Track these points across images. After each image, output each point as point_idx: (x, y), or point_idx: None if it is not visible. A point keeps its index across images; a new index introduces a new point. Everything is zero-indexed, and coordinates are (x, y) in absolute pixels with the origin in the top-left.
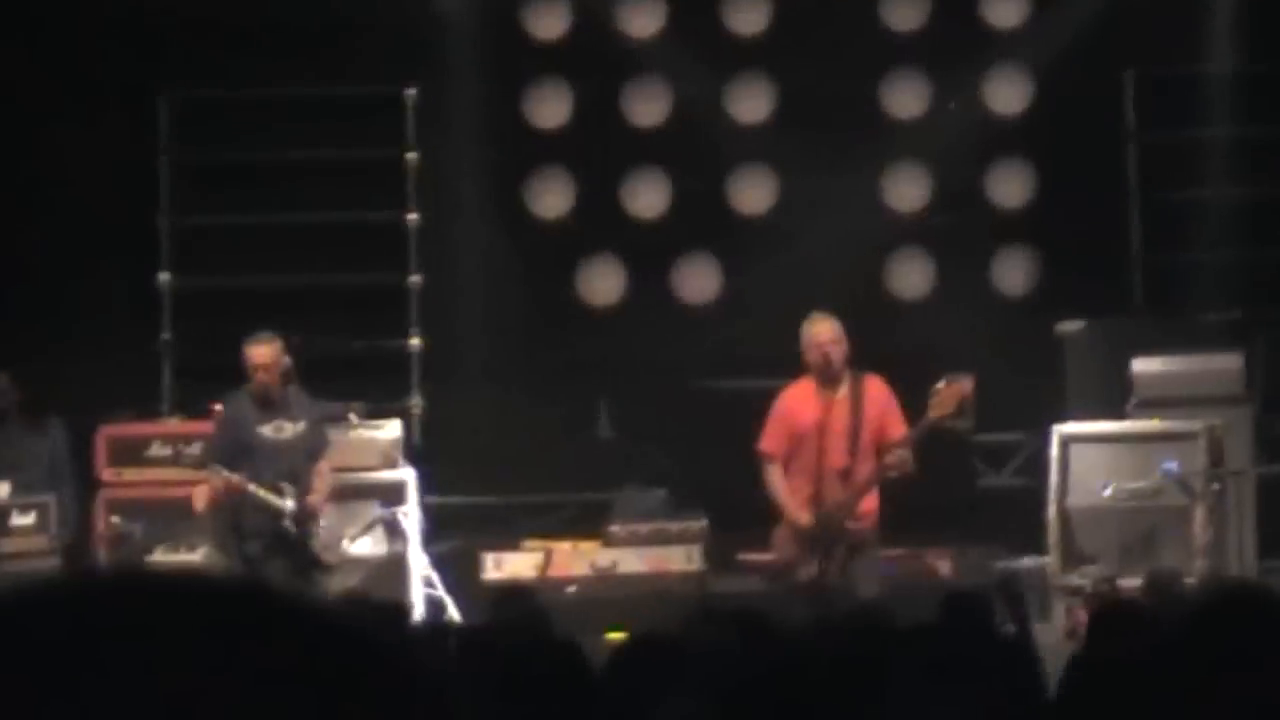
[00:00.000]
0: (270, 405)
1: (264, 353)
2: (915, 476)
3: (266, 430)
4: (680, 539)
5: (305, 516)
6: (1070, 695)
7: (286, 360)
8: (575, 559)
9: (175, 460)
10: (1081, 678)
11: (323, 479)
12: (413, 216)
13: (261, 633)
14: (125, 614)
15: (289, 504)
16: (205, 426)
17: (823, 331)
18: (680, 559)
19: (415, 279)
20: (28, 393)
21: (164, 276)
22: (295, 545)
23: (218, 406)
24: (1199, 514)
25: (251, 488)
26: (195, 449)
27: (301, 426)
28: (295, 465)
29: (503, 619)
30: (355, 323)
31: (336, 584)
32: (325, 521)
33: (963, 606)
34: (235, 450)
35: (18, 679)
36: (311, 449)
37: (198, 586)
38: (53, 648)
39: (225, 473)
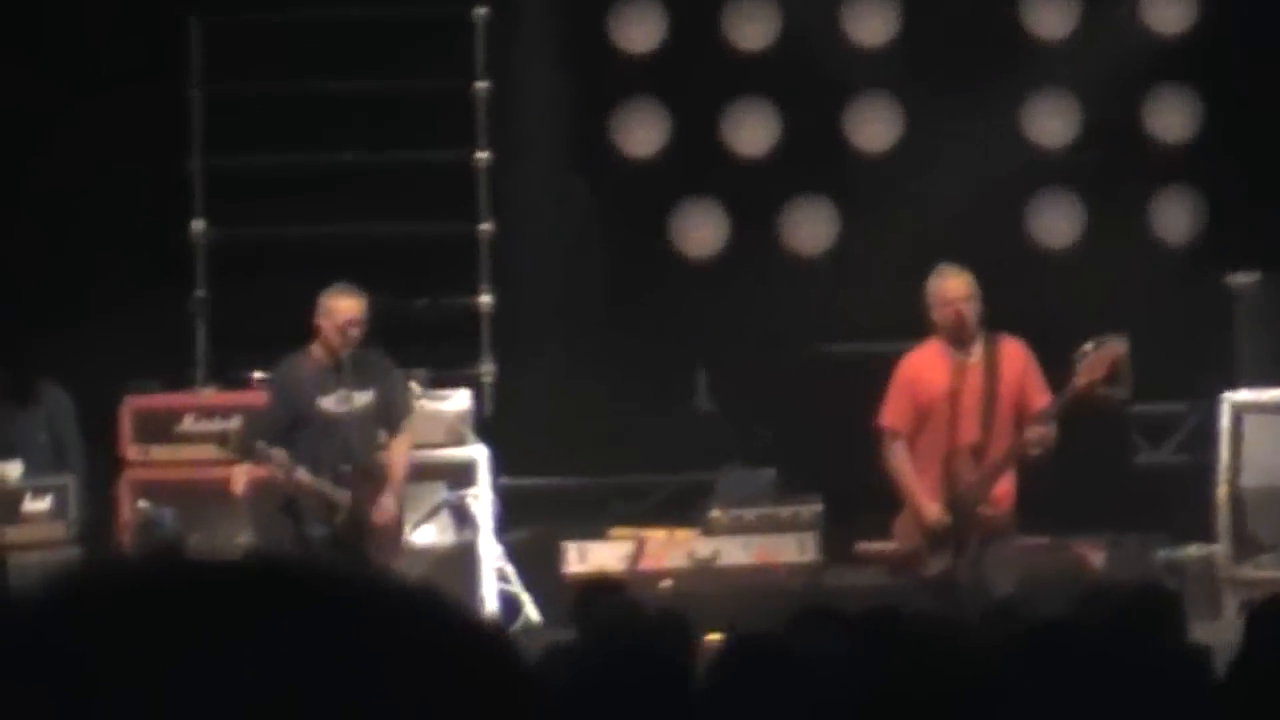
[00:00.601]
0: (336, 370)
1: (354, 306)
2: (1060, 453)
3: (328, 402)
4: (791, 526)
5: (359, 531)
6: (1229, 704)
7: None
8: (670, 549)
9: (210, 437)
10: (1241, 684)
11: (398, 456)
12: (482, 156)
13: (338, 634)
14: (168, 614)
15: (342, 501)
16: (245, 398)
17: (953, 286)
18: (791, 549)
19: (485, 227)
20: (11, 368)
21: (198, 226)
22: (349, 543)
23: (258, 375)
24: None
25: (305, 478)
26: (234, 423)
27: (370, 396)
28: (358, 443)
29: (588, 618)
30: (417, 278)
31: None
32: (390, 519)
33: (1116, 603)
34: (290, 424)
35: (38, 694)
36: (387, 418)
37: (259, 574)
38: (83, 660)
39: (275, 456)
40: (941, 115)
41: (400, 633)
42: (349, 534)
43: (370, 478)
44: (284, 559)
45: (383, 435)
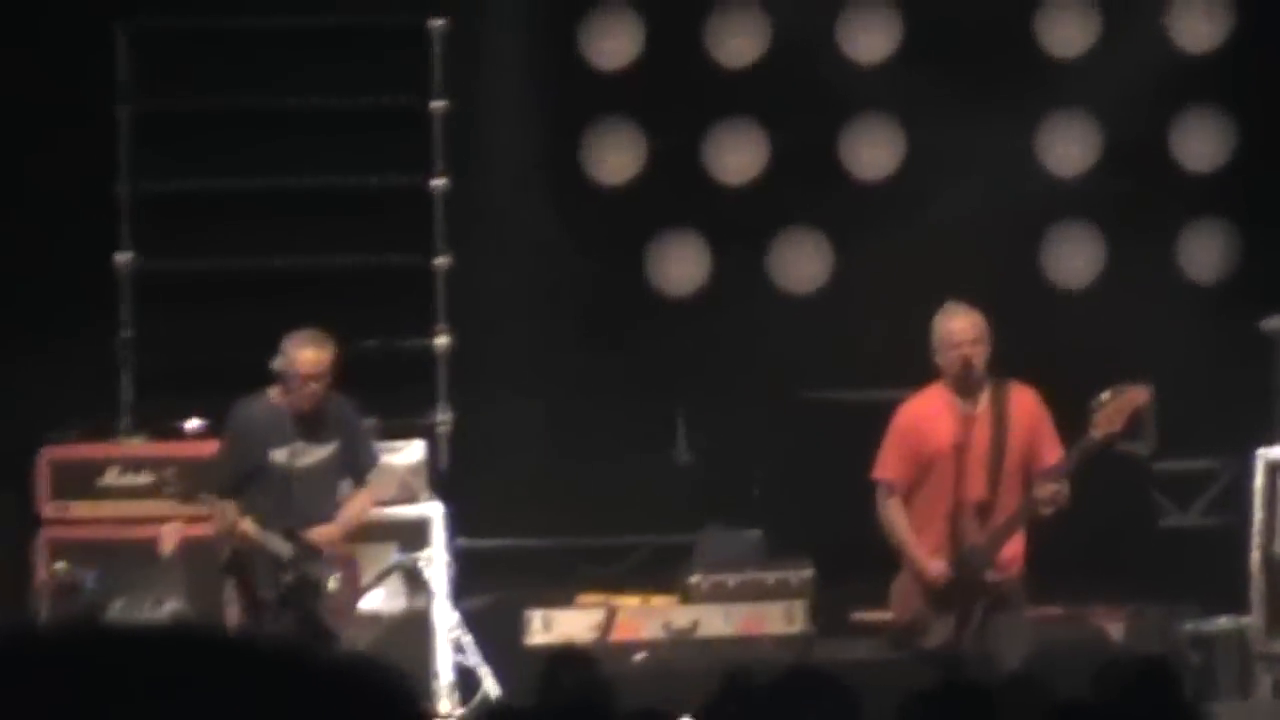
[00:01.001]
0: (293, 421)
1: (318, 359)
2: (1075, 513)
3: (281, 454)
4: (778, 593)
5: (306, 560)
6: None
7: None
8: (645, 618)
9: (136, 491)
10: None
11: (350, 511)
12: (439, 182)
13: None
14: (84, 682)
15: (286, 549)
16: (174, 449)
17: (961, 328)
18: (778, 619)
19: (442, 261)
20: None
21: (123, 258)
22: (297, 604)
23: (191, 423)
24: None
25: (251, 531)
26: (164, 475)
27: (330, 450)
28: (311, 501)
29: (553, 695)
30: (365, 316)
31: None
32: (337, 576)
33: (1138, 679)
34: (241, 475)
35: None
36: (352, 469)
37: (179, 645)
38: None
39: (219, 507)
40: (947, 139)
41: (329, 711)
42: (299, 596)
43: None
44: (211, 630)
45: (344, 489)
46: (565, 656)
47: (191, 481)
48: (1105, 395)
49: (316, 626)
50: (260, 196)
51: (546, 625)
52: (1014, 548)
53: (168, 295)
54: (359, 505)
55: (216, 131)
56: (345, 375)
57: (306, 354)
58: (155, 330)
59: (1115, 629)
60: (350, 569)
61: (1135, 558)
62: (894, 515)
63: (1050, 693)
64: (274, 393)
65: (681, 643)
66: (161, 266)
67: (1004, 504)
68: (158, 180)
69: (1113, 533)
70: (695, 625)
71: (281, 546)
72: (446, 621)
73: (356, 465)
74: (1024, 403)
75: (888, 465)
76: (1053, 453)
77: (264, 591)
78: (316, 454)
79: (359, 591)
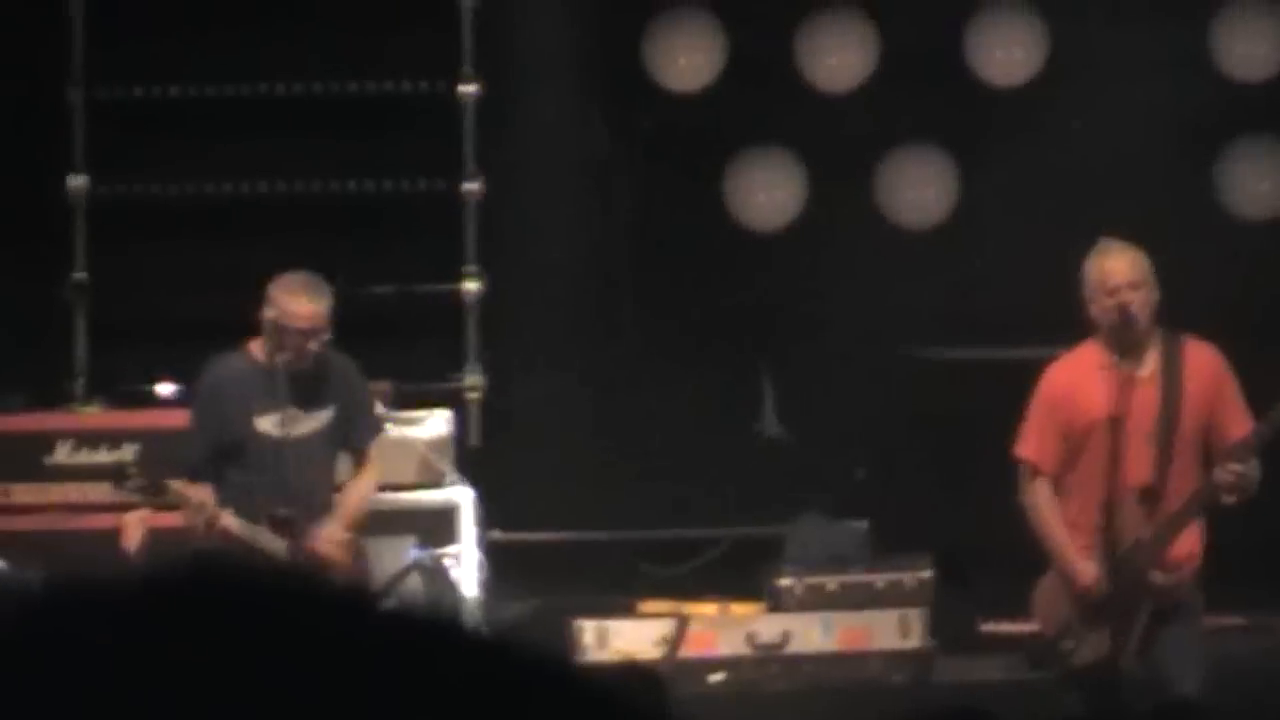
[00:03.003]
0: (281, 383)
1: (315, 311)
2: (1264, 501)
3: (267, 423)
4: (890, 599)
5: (303, 557)
6: None
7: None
8: (725, 630)
9: (93, 472)
10: None
11: (351, 499)
12: (469, 88)
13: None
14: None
15: (280, 546)
16: (140, 419)
17: (1118, 270)
18: (890, 631)
19: (472, 186)
20: None
21: (76, 181)
22: None
23: (163, 387)
24: None
25: (234, 525)
26: (125, 454)
27: (326, 416)
28: (305, 480)
29: None
30: (378, 255)
31: None
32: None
33: None
34: (218, 451)
35: None
36: (350, 441)
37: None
38: None
39: (194, 497)
40: (1099, 36)
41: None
42: None
43: (317, 517)
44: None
45: (334, 468)
46: (626, 677)
47: (155, 468)
48: None
49: None
50: (245, 106)
51: (601, 639)
52: (1188, 543)
53: (131, 228)
54: (361, 490)
55: (191, 27)
56: (344, 326)
57: (302, 305)
58: (115, 271)
59: None
60: (360, 564)
61: None
62: (1041, 503)
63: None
64: (256, 347)
65: (769, 660)
66: (123, 192)
67: (1176, 489)
68: (119, 86)
69: None
70: (786, 639)
71: (274, 544)
72: None
73: (356, 437)
74: (1202, 362)
75: (1032, 441)
76: (1239, 425)
77: None
78: (311, 422)
79: (369, 579)
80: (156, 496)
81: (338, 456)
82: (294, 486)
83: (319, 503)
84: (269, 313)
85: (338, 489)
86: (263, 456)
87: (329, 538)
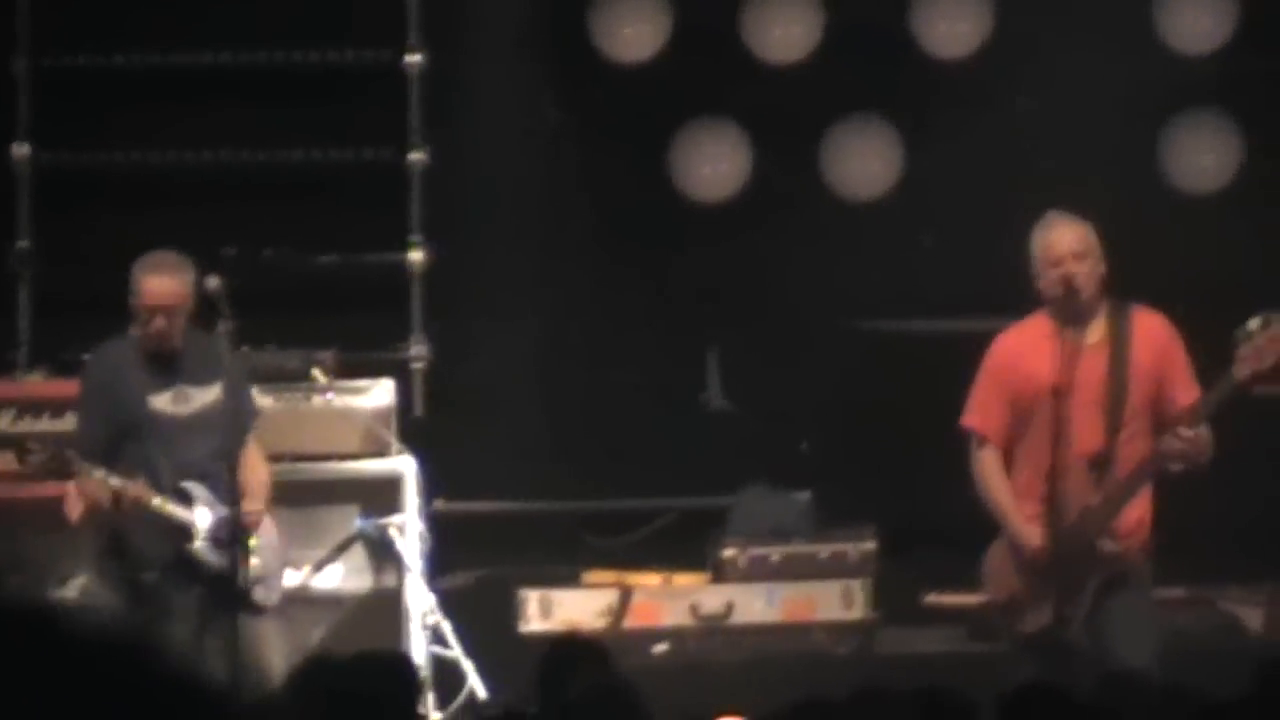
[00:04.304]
0: (169, 362)
1: (165, 287)
2: (1213, 471)
3: (160, 401)
4: (833, 570)
5: (233, 535)
6: None
7: (213, 286)
8: (668, 601)
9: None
10: None
11: (256, 473)
12: (415, 58)
13: None
14: None
15: (202, 517)
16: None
17: (1064, 240)
18: (833, 602)
19: (418, 156)
20: None
21: (20, 149)
22: (212, 578)
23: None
24: None
25: (149, 497)
26: (67, 423)
27: (216, 393)
28: (208, 452)
29: (554, 695)
30: (321, 224)
31: (297, 633)
32: (261, 540)
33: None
34: (114, 432)
35: None
36: (235, 423)
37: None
38: None
39: (105, 473)
40: (1044, 6)
41: None
42: (210, 563)
43: (227, 491)
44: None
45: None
46: (568, 648)
47: (53, 451)
48: (1252, 325)
49: (240, 599)
50: (190, 75)
51: (545, 609)
52: (1137, 512)
53: (75, 196)
54: (261, 473)
55: None
56: (297, 298)
57: (151, 282)
58: (59, 240)
59: (1251, 616)
60: (270, 527)
61: None
62: (988, 472)
63: (1187, 694)
64: (145, 333)
65: (713, 631)
66: (68, 160)
67: (1124, 457)
68: (63, 53)
69: (1256, 496)
70: (729, 609)
71: (183, 513)
72: (421, 604)
73: (238, 416)
74: (1151, 331)
75: (978, 411)
76: (1187, 393)
77: (144, 573)
78: (202, 397)
79: (284, 553)
80: (60, 471)
81: (232, 431)
82: (193, 460)
83: (217, 477)
84: (130, 292)
85: (234, 466)
86: (160, 433)
87: (254, 508)
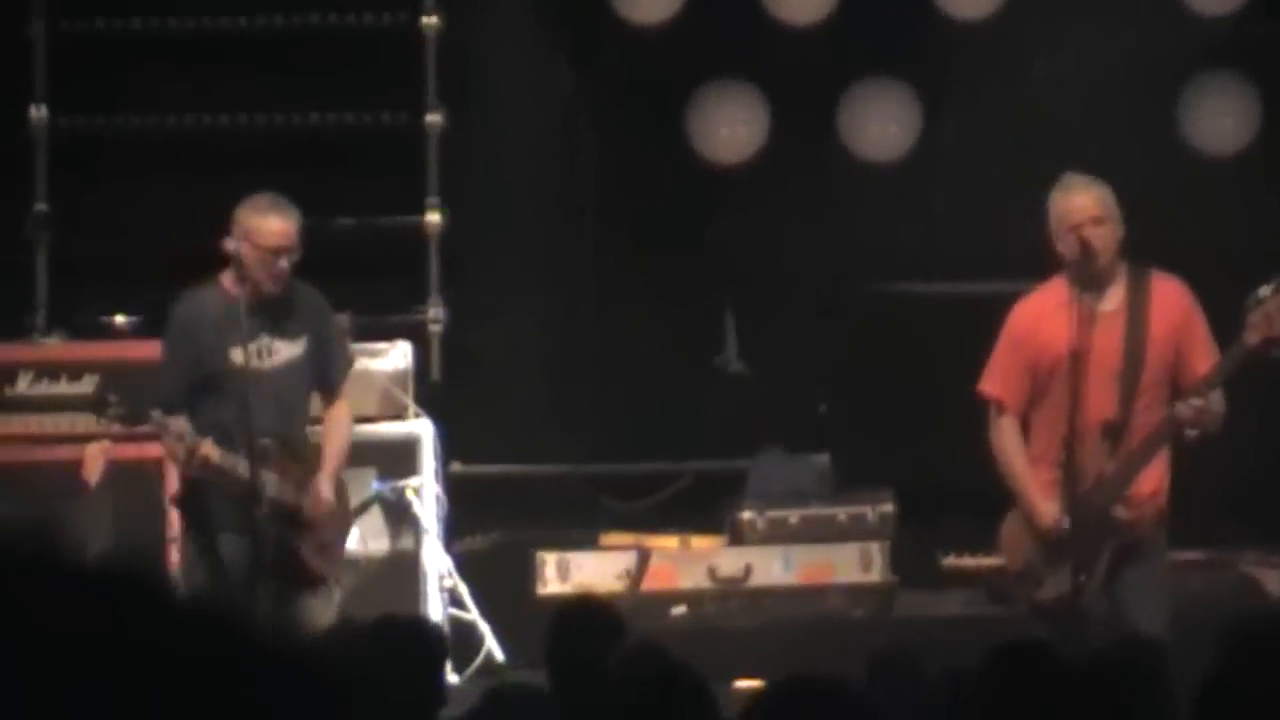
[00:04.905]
0: (256, 312)
1: (287, 227)
2: (1227, 437)
3: (241, 354)
4: (851, 533)
5: (289, 526)
6: None
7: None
8: (686, 564)
9: (55, 403)
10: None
11: (334, 440)
12: (431, 20)
13: None
14: None
15: (271, 482)
16: (101, 350)
17: (1081, 205)
18: (851, 565)
19: (434, 118)
20: None
21: (38, 112)
22: (273, 545)
23: (121, 318)
24: None
25: (216, 455)
26: (85, 386)
27: (300, 347)
28: (281, 410)
29: (568, 658)
30: (338, 187)
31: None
32: (323, 511)
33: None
34: (194, 384)
35: None
36: (322, 377)
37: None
38: None
39: (174, 427)
40: None
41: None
42: (274, 530)
43: (297, 457)
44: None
45: (310, 401)
46: (584, 611)
47: (133, 397)
48: (1263, 291)
49: (300, 570)
50: (206, 39)
51: (562, 572)
52: (1152, 479)
53: (93, 160)
54: (345, 433)
55: None
56: (313, 261)
57: (272, 222)
58: (77, 203)
59: (1270, 578)
60: (341, 495)
61: None
62: (1005, 441)
63: (1196, 665)
64: (227, 280)
65: (730, 594)
66: (85, 124)
67: (1140, 424)
68: (81, 18)
69: (1272, 461)
70: (747, 573)
71: (260, 477)
72: (438, 567)
73: (329, 371)
74: (1169, 297)
75: (997, 378)
76: (1204, 360)
77: (222, 536)
78: (286, 352)
79: (348, 523)
80: (136, 424)
81: (312, 388)
82: (269, 418)
83: (295, 434)
84: (236, 238)
85: (313, 422)
86: (237, 389)
87: (322, 499)
